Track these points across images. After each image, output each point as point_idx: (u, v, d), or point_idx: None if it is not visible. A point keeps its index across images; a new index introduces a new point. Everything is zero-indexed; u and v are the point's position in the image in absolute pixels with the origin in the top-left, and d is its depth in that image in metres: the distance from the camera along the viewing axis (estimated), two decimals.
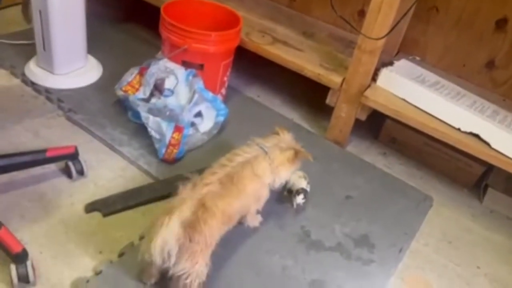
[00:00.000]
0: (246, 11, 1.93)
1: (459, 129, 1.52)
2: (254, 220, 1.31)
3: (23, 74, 1.73)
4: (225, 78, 1.71)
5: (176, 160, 1.49)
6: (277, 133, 1.28)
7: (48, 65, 1.70)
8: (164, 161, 1.48)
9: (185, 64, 1.58)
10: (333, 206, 1.47)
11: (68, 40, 1.67)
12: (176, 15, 1.57)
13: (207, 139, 1.59)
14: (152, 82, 1.53)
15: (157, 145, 1.48)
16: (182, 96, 1.53)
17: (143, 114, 1.47)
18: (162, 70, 1.55)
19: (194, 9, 1.72)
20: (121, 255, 1.19)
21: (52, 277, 1.12)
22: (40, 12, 1.58)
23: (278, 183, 1.24)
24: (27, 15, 1.81)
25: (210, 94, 1.56)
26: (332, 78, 1.65)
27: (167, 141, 1.44)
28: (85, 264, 1.16)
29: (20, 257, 1.07)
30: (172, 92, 1.53)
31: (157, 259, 0.95)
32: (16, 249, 1.06)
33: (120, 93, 1.58)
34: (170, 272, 1.01)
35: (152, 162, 1.48)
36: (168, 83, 1.54)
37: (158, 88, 1.53)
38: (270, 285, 1.20)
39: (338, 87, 1.65)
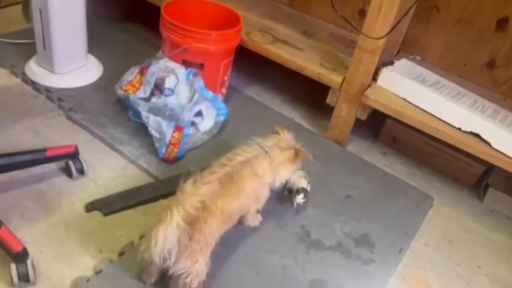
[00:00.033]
0: (247, 10, 1.93)
1: (459, 129, 1.52)
2: (254, 220, 1.31)
3: (23, 73, 1.73)
4: (226, 78, 1.71)
5: (176, 160, 1.49)
6: (277, 133, 1.28)
7: (49, 64, 1.70)
8: (164, 160, 1.48)
9: (186, 64, 1.58)
10: (333, 206, 1.47)
11: (68, 39, 1.67)
12: (177, 15, 1.57)
13: (207, 138, 1.59)
14: (152, 81, 1.53)
15: (157, 145, 1.48)
16: (183, 96, 1.53)
17: (144, 114, 1.47)
18: (163, 69, 1.55)
19: (194, 8, 1.72)
20: (121, 254, 1.19)
21: (52, 276, 1.12)
22: (40, 11, 1.58)
23: (278, 182, 1.24)
24: (28, 14, 1.81)
25: (210, 94, 1.56)
26: (333, 78, 1.65)
27: (167, 140, 1.44)
28: (85, 263, 1.16)
29: (21, 256, 1.07)
30: (172, 91, 1.53)
31: (157, 257, 0.95)
32: (17, 248, 1.06)
33: (120, 92, 1.58)
34: (170, 271, 1.01)
35: (153, 162, 1.48)
36: (169, 83, 1.54)
37: (158, 88, 1.53)
38: (270, 284, 1.20)
39: (338, 86, 1.65)
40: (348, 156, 1.70)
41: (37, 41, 1.68)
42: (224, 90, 1.75)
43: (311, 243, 1.33)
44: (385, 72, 1.63)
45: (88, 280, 1.11)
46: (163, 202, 0.98)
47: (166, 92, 1.53)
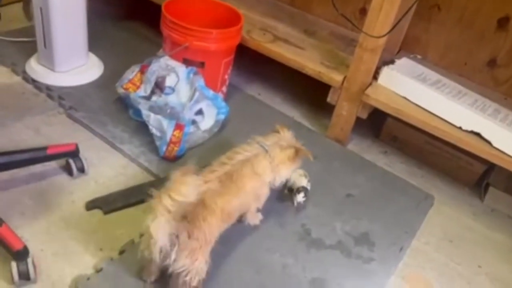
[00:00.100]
0: (247, 9, 1.92)
1: (460, 128, 1.51)
2: (254, 218, 1.31)
3: (24, 72, 1.73)
4: (226, 76, 1.71)
5: (177, 158, 1.49)
6: (278, 131, 1.28)
7: (49, 63, 1.70)
8: (165, 158, 1.48)
9: (186, 62, 1.58)
10: (334, 205, 1.47)
11: (69, 37, 1.67)
12: (177, 13, 1.57)
13: (208, 137, 1.59)
14: (153, 80, 1.53)
15: (158, 143, 1.48)
16: (183, 94, 1.53)
17: (144, 112, 1.47)
18: (163, 68, 1.54)
19: (195, 7, 1.72)
20: (121, 252, 1.19)
21: (52, 274, 1.13)
22: (41, 9, 1.58)
23: (279, 181, 1.24)
24: (28, 12, 1.81)
25: (211, 92, 1.56)
26: (333, 76, 1.65)
27: (168, 139, 1.44)
28: (85, 262, 1.16)
29: (21, 254, 1.07)
30: (173, 90, 1.53)
31: (156, 252, 0.94)
32: (17, 246, 1.06)
33: (121, 90, 1.58)
34: (170, 270, 1.01)
35: (153, 160, 1.48)
36: (169, 81, 1.53)
37: (159, 86, 1.53)
38: (270, 283, 1.20)
39: (339, 85, 1.65)
40: (348, 155, 1.70)
41: (38, 40, 1.68)
42: (224, 89, 1.75)
43: (311, 242, 1.33)
44: (386, 71, 1.63)
45: (88, 278, 1.12)
46: (154, 192, 0.97)
47: (167, 90, 1.53)
